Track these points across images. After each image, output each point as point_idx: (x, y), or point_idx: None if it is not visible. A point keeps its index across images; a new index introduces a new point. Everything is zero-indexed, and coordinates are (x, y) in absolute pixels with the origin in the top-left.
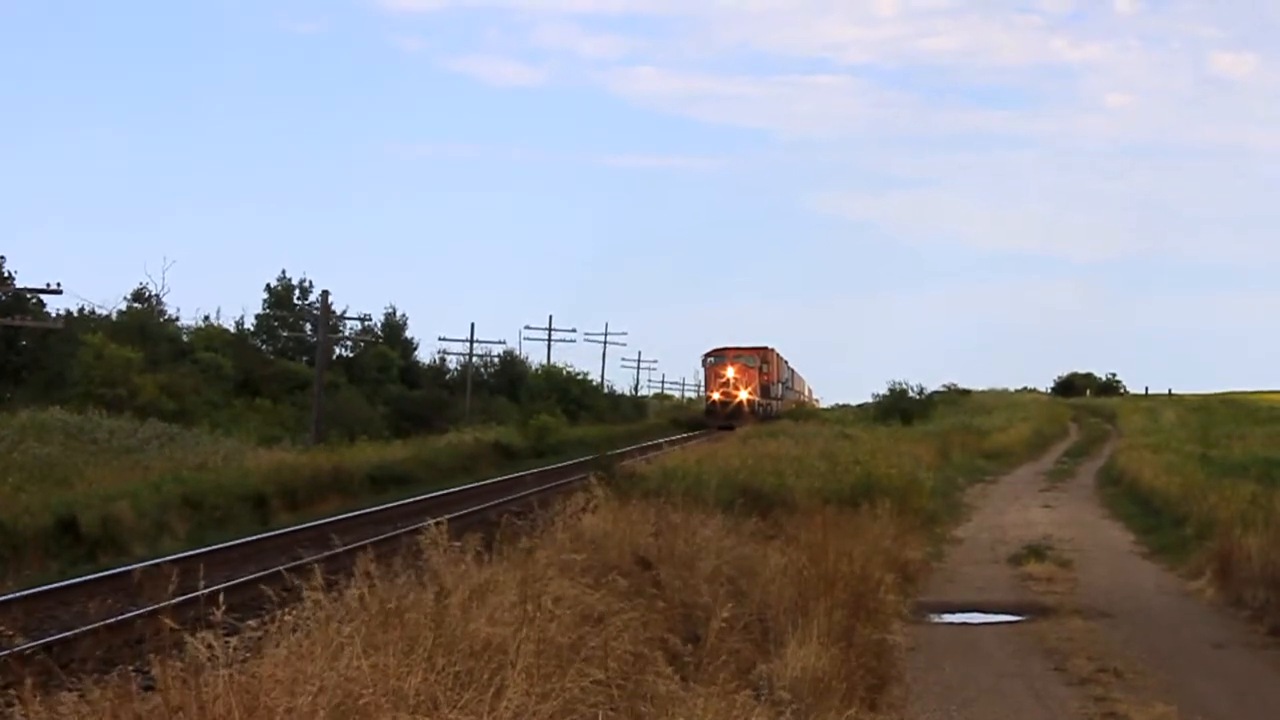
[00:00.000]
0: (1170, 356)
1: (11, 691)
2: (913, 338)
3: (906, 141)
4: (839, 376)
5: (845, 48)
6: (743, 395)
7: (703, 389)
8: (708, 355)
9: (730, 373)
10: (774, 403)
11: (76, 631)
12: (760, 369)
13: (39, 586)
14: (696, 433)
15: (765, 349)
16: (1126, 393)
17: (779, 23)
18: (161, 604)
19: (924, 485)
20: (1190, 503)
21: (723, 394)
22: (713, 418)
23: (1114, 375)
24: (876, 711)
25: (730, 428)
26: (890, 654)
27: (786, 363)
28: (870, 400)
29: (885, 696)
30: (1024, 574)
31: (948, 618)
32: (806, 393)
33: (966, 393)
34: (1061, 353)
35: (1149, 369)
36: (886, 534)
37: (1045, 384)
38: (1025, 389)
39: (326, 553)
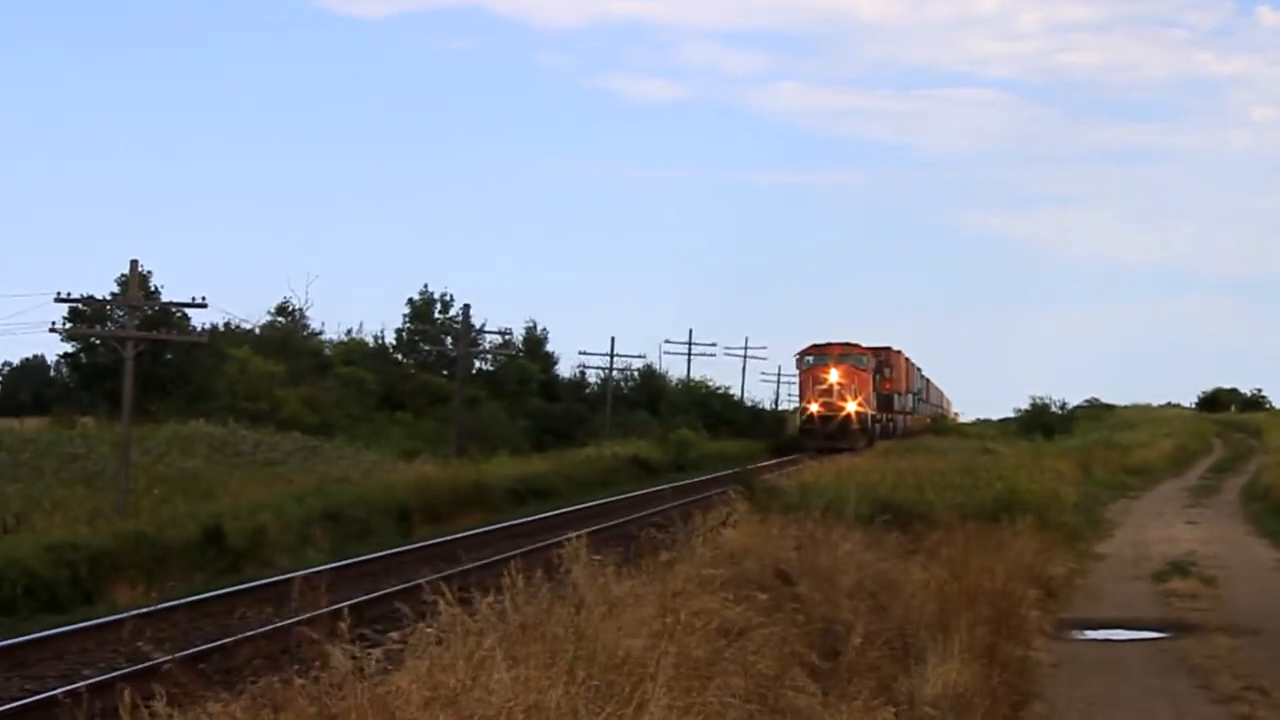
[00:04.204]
0: None
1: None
2: (1056, 353)
3: (1050, 157)
4: (980, 392)
5: (988, 62)
6: (850, 407)
7: (798, 398)
8: (804, 353)
9: (833, 376)
10: (900, 417)
11: (225, 641)
12: (879, 374)
13: (192, 596)
14: (780, 460)
15: (887, 350)
16: (1272, 408)
17: (922, 38)
18: (306, 615)
19: (1066, 501)
20: None
21: (823, 405)
22: (810, 438)
23: (1259, 391)
24: None
25: (834, 451)
26: (1033, 671)
27: (919, 370)
28: (1012, 415)
29: (1028, 713)
30: (1168, 590)
31: (1091, 634)
32: (945, 406)
33: (1110, 408)
34: (1206, 368)
35: None
36: (1028, 549)
37: (1189, 399)
38: (1169, 404)
39: (467, 566)
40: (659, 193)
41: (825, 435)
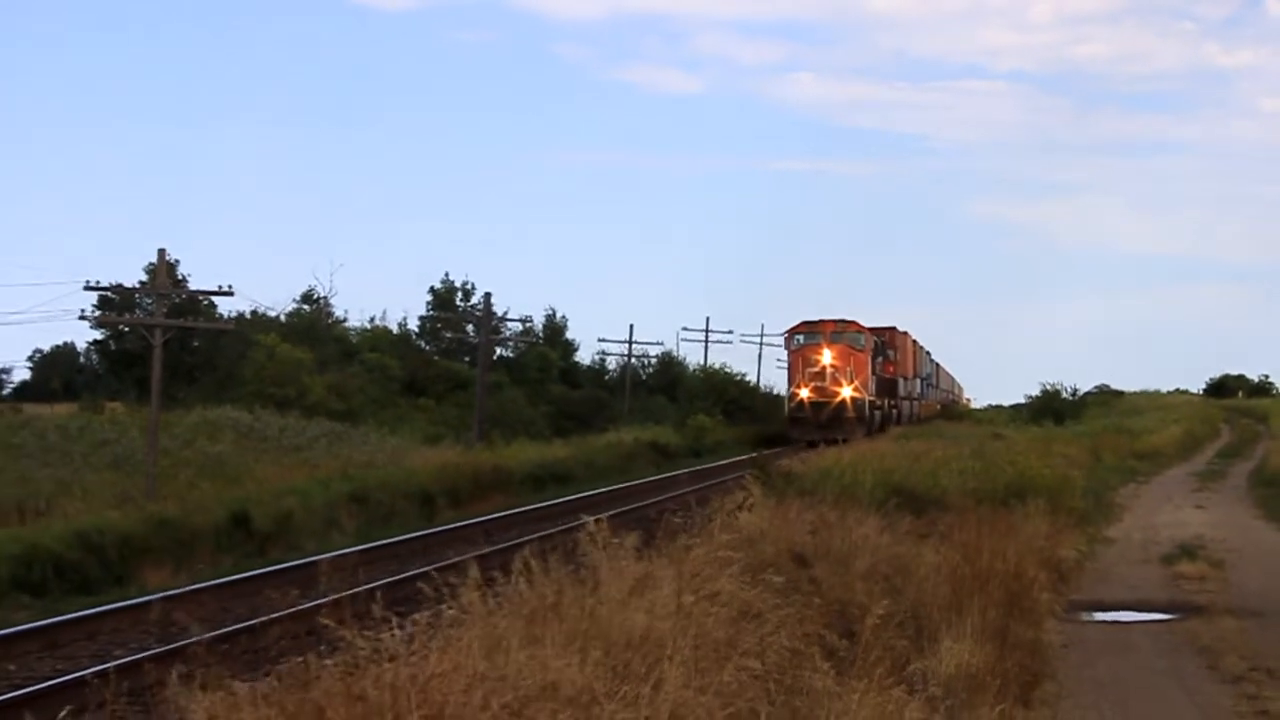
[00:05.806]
0: None
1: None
2: (1066, 339)
3: (1060, 147)
4: (992, 378)
5: (1001, 53)
6: (845, 392)
7: (786, 383)
8: (793, 331)
9: (826, 357)
10: (906, 403)
11: (255, 622)
12: (879, 356)
13: (221, 578)
14: (771, 451)
15: (891, 330)
16: (1279, 394)
17: (935, 29)
18: (333, 596)
19: (1076, 485)
20: None
21: (814, 390)
22: (799, 427)
23: (1267, 377)
24: (1030, 708)
25: (826, 442)
26: (1044, 651)
27: (928, 354)
28: (1023, 401)
29: (1038, 693)
30: (1176, 573)
31: (1100, 616)
32: (957, 392)
33: (1119, 394)
34: (1214, 354)
35: None
36: (1039, 533)
37: (1197, 385)
38: (1177, 390)
39: (489, 549)
40: (676, 182)
41: (817, 424)
